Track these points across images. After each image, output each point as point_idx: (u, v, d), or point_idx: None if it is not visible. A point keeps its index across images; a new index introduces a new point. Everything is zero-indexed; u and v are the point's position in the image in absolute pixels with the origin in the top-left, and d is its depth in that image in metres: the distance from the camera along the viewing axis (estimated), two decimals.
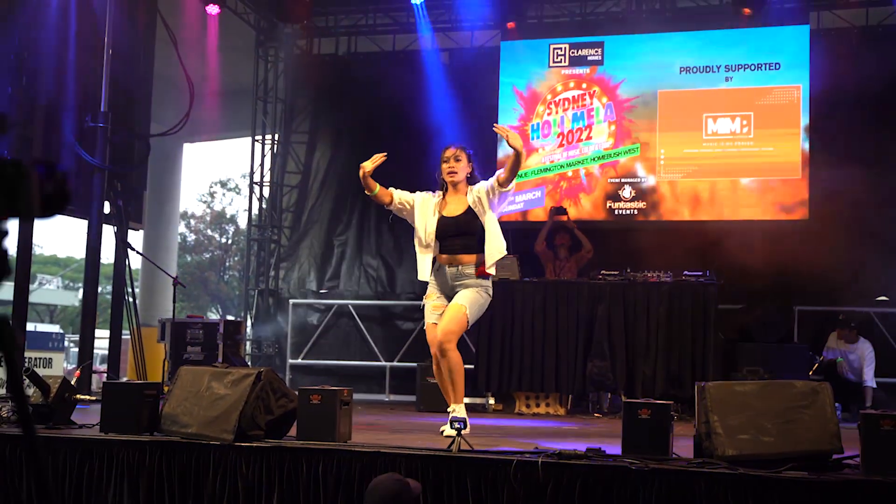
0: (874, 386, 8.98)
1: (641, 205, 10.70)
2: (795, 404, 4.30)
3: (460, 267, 5.67)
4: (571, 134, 11.03)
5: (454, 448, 4.38)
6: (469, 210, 5.66)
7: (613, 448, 4.47)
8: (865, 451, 4.10)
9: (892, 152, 9.84)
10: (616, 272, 8.65)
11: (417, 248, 5.76)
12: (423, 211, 5.75)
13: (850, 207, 9.64)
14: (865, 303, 9.92)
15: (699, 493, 3.98)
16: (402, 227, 11.27)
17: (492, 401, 8.84)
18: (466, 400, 9.17)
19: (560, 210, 9.96)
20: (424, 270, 5.71)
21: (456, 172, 5.70)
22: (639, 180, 10.76)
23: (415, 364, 8.97)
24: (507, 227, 10.76)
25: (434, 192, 5.84)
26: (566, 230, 9.79)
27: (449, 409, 5.58)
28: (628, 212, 10.74)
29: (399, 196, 5.83)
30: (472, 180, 5.75)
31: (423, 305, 5.80)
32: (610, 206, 10.79)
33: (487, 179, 5.67)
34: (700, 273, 8.57)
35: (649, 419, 4.37)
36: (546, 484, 4.11)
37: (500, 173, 5.63)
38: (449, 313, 5.60)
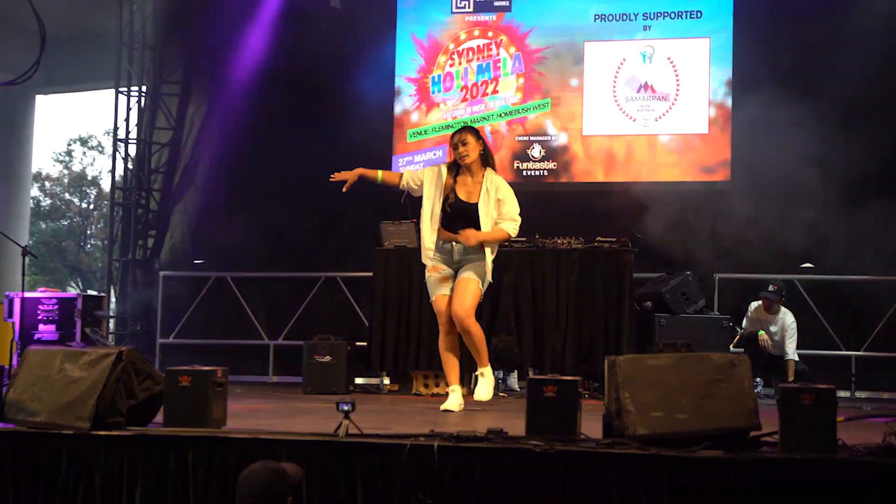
0: (796, 359, 9.26)
1: (552, 165, 10.80)
2: (712, 378, 4.39)
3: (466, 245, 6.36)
4: (476, 87, 11.05)
5: (341, 432, 4.37)
6: (481, 199, 6.36)
7: (517, 429, 4.50)
8: (784, 427, 4.21)
9: (821, 110, 10.10)
10: (523, 238, 8.69)
11: (423, 226, 6.46)
12: (432, 190, 6.43)
13: (773, 169, 9.87)
14: (789, 270, 10.19)
15: (609, 475, 4.04)
16: (288, 194, 11.13)
17: (387, 381, 8.87)
18: (358, 380, 9.29)
19: None
20: (428, 251, 6.42)
21: (467, 155, 6.34)
22: (549, 138, 10.85)
23: (301, 342, 8.91)
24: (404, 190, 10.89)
25: (445, 163, 6.52)
26: None
27: (477, 373, 6.53)
28: (537, 173, 10.82)
29: (407, 179, 6.58)
30: (486, 159, 6.42)
31: (429, 278, 6.47)
32: (518, 167, 10.86)
33: (507, 190, 6.38)
34: (614, 239, 8.69)
35: (555, 397, 4.41)
36: (442, 470, 4.12)
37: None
38: (462, 289, 6.33)
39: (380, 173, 6.70)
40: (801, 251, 10.04)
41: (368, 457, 4.23)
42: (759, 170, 10.02)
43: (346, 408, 4.45)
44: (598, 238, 8.74)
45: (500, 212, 6.38)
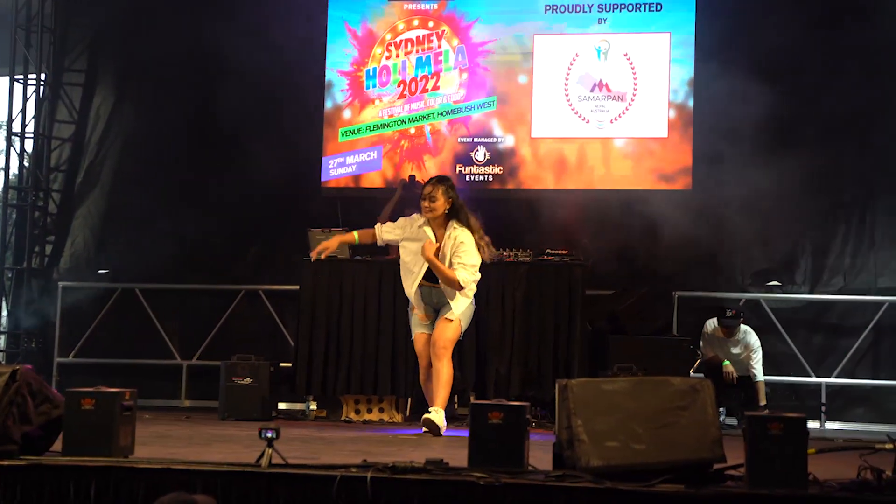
0: (763, 380, 9.37)
1: (497, 170, 10.84)
2: (672, 405, 4.43)
3: (442, 286, 7.31)
4: (415, 82, 11.05)
5: (264, 462, 4.33)
6: (442, 244, 7.30)
7: (458, 460, 4.50)
8: (750, 460, 4.25)
9: (789, 113, 10.26)
10: None
11: (404, 273, 7.47)
12: (412, 242, 7.38)
13: (739, 178, 9.99)
14: (754, 288, 10.34)
15: None
16: (206, 197, 11.04)
17: (313, 406, 8.83)
18: (282, 405, 9.24)
19: (413, 183, 10.06)
20: (411, 292, 7.43)
21: (432, 211, 7.27)
22: (495, 140, 10.88)
23: (218, 363, 8.83)
24: (336, 195, 10.89)
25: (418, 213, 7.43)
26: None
27: (431, 410, 7.11)
28: (482, 178, 10.85)
29: (384, 236, 7.49)
30: (452, 213, 7.31)
31: (411, 317, 7.51)
32: (460, 171, 10.87)
33: (467, 232, 7.27)
34: (565, 252, 8.74)
35: (501, 424, 4.42)
36: (377, 503, 4.10)
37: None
38: (442, 324, 7.29)
39: (356, 234, 7.62)
40: (768, 268, 10.18)
41: (294, 489, 4.20)
42: (723, 179, 10.13)
43: (269, 435, 4.41)
44: (548, 251, 8.78)
45: (458, 255, 7.23)
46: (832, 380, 10.09)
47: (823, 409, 9.94)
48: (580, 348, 8.41)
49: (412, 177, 10.23)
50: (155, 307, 11.36)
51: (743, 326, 9.43)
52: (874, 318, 10.08)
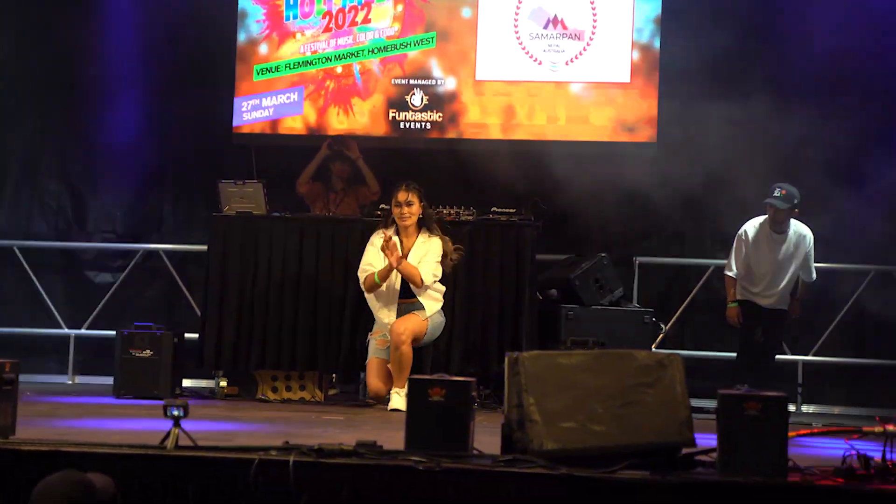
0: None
1: (436, 116, 10.80)
2: (636, 382, 4.48)
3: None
4: (343, 14, 10.96)
5: (169, 444, 4.31)
6: (412, 253, 8.05)
7: (394, 442, 4.50)
8: (723, 444, 4.31)
9: (771, 58, 10.30)
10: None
11: (375, 296, 8.13)
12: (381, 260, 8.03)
13: (709, 130, 10.04)
14: (724, 254, 10.40)
15: (508, 499, 4.08)
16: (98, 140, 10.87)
17: (223, 383, 8.79)
18: (187, 382, 9.19)
19: (341, 143, 10.05)
20: (391, 317, 8.08)
21: (409, 217, 8.07)
22: (433, 82, 10.83)
23: (112, 333, 8.74)
24: (250, 142, 10.80)
25: (384, 226, 8.20)
26: (345, 159, 10.02)
27: (393, 391, 7.85)
28: (418, 125, 10.81)
29: (370, 274, 8.08)
30: (425, 220, 8.12)
31: (368, 341, 8.18)
32: (393, 117, 10.82)
33: (438, 237, 8.13)
34: (513, 211, 8.75)
35: (443, 402, 4.44)
36: (300, 491, 4.10)
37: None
38: (408, 316, 8.01)
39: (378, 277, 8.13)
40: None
41: (205, 474, 4.20)
42: (692, 130, 10.17)
43: (175, 413, 4.39)
44: (494, 209, 8.79)
45: (424, 260, 8.00)
46: (810, 357, 10.23)
47: (800, 389, 10.08)
48: (529, 320, 8.45)
49: (342, 138, 10.22)
50: (37, 268, 11.20)
51: (794, 221, 9.07)
52: (858, 290, 10.20)
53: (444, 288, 8.18)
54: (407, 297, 8.07)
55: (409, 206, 8.06)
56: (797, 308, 9.23)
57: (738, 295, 9.13)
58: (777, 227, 9.02)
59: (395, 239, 8.00)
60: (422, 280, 7.94)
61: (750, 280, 9.12)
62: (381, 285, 8.04)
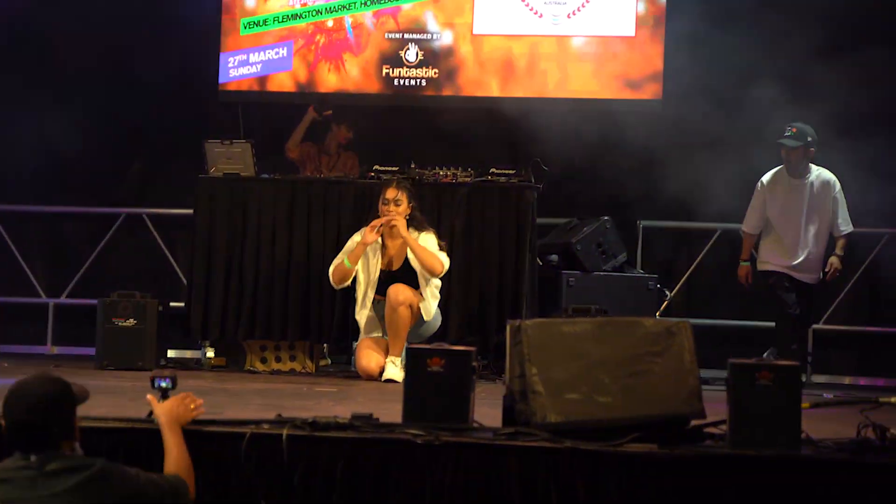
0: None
1: (432, 73, 10.78)
2: (643, 351, 4.49)
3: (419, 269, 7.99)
4: None
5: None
6: (407, 262, 8.01)
7: (391, 415, 4.52)
8: (734, 415, 4.33)
9: (787, 9, 10.25)
10: (395, 168, 8.69)
11: (359, 296, 8.15)
12: (364, 262, 8.08)
13: (718, 86, 10.03)
14: (733, 217, 10.40)
15: (510, 473, 4.10)
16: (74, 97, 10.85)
17: (210, 353, 8.81)
18: (172, 353, 9.21)
19: (325, 106, 10.03)
20: (363, 314, 8.14)
21: (395, 221, 7.89)
22: (429, 37, 10.80)
23: (94, 301, 8.75)
24: (237, 100, 10.79)
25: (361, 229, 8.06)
26: (351, 126, 10.06)
27: (389, 359, 7.81)
28: (413, 82, 10.79)
29: (353, 266, 8.06)
30: (413, 220, 7.99)
31: (360, 343, 8.14)
32: (387, 74, 10.80)
33: (430, 235, 8.03)
34: (513, 172, 8.74)
35: (442, 372, 4.45)
36: (294, 465, 4.12)
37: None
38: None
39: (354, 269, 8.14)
40: (750, 194, 10.24)
41: (195, 449, 4.19)
42: (700, 87, 10.16)
43: (163, 384, 4.41)
44: (493, 170, 8.76)
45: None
46: (821, 326, 10.24)
47: (809, 359, 10.09)
48: (529, 286, 8.46)
49: (324, 101, 10.18)
50: (14, 234, 11.20)
51: (813, 165, 8.92)
52: (872, 253, 10.22)
53: (440, 283, 8.15)
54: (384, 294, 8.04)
55: (398, 206, 7.95)
56: (837, 265, 8.93)
57: (771, 266, 8.97)
58: (793, 169, 8.91)
59: (378, 250, 8.05)
60: (442, 264, 7.93)
61: (779, 244, 8.95)
62: (352, 269, 8.01)
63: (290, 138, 9.97)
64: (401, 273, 8.03)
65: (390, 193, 7.96)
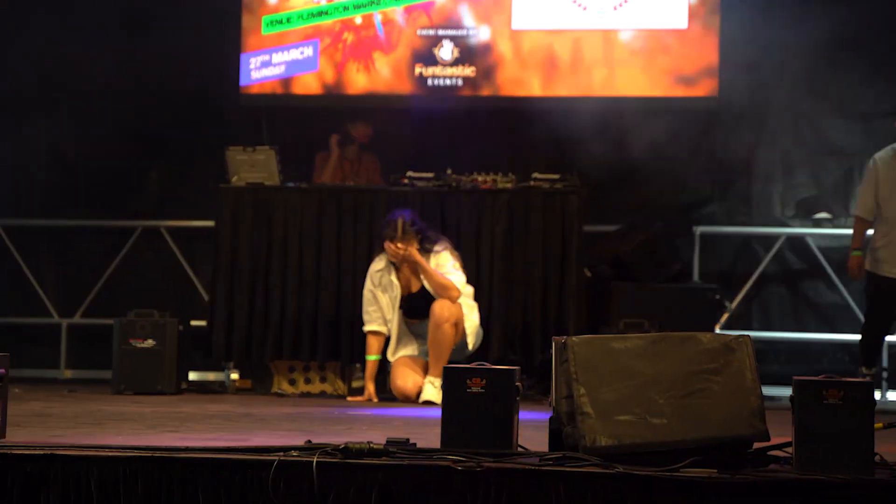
0: None
1: (469, 71, 10.78)
2: (700, 368, 4.46)
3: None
4: None
5: None
6: (423, 288, 8.18)
7: (429, 440, 4.51)
8: (800, 437, 4.29)
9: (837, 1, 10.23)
10: (430, 174, 8.71)
11: (392, 342, 8.31)
12: (382, 295, 8.26)
13: (777, 81, 10.00)
14: (798, 222, 10.37)
15: (557, 501, 4.07)
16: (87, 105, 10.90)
17: (235, 376, 8.84)
18: (194, 375, 9.24)
19: (348, 135, 9.99)
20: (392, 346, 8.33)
21: (405, 259, 8.07)
22: (465, 33, 10.81)
23: (109, 321, 8.79)
24: (260, 104, 10.82)
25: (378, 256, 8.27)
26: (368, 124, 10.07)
27: (428, 380, 8.01)
28: (449, 82, 10.80)
29: (377, 327, 8.30)
30: (424, 246, 8.10)
31: (391, 364, 8.27)
32: (420, 73, 10.81)
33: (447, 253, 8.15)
34: (557, 176, 8.73)
35: (483, 393, 4.43)
36: (325, 495, 4.12)
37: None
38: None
39: (373, 357, 8.33)
40: (816, 196, 10.20)
41: (217, 479, 4.20)
42: (759, 82, 10.13)
43: None
44: (535, 175, 8.78)
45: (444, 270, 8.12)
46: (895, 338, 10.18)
47: (885, 374, 10.02)
48: (577, 299, 8.45)
49: (345, 131, 10.10)
50: (25, 250, 11.28)
51: None
52: None
53: (472, 289, 8.25)
54: (417, 317, 8.25)
55: (405, 242, 8.07)
56: None
57: (867, 266, 8.64)
58: None
59: (393, 276, 8.22)
60: (457, 288, 8.04)
61: (885, 237, 8.56)
62: (383, 336, 8.32)
63: (317, 175, 9.83)
64: (422, 293, 8.19)
65: (392, 236, 8.06)
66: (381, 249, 8.16)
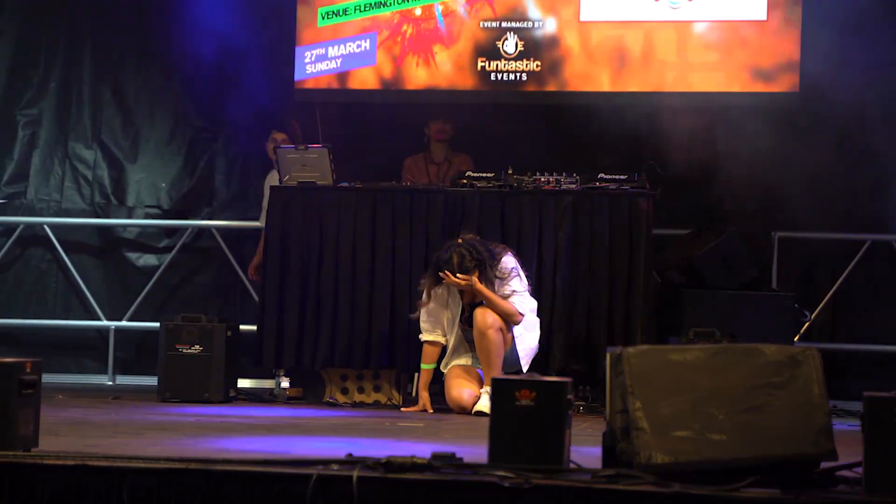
0: None
1: (534, 65, 10.78)
2: (763, 382, 4.45)
3: None
4: None
5: None
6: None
7: (476, 454, 4.52)
8: (870, 455, 4.26)
9: None
10: (491, 174, 8.71)
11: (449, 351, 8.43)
12: (443, 310, 8.36)
13: (865, 75, 9.93)
14: (885, 227, 10.27)
15: None
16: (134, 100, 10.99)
17: (285, 383, 8.86)
18: (245, 383, 9.29)
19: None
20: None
21: (463, 290, 8.11)
22: (530, 25, 10.81)
23: (156, 325, 8.86)
24: (314, 99, 10.86)
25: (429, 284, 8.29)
26: (447, 119, 10.12)
27: (484, 390, 8.03)
28: (512, 76, 10.80)
29: (438, 337, 8.40)
30: (485, 275, 8.03)
31: (449, 372, 8.32)
32: (483, 67, 10.82)
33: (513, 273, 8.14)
34: (625, 177, 8.71)
35: (533, 407, 4.43)
36: None
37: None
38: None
39: (429, 366, 8.42)
40: None
41: (253, 492, 4.24)
42: (843, 77, 10.07)
43: None
44: (601, 175, 8.76)
45: (506, 284, 8.11)
46: None
47: None
48: (644, 308, 8.42)
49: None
50: (71, 250, 11.38)
51: None
52: None
53: (535, 303, 8.28)
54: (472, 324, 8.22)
55: (467, 274, 8.01)
56: None
57: None
58: None
59: (455, 291, 8.24)
60: (519, 313, 8.05)
61: None
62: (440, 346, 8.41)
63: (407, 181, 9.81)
64: (481, 301, 8.15)
65: (456, 272, 8.00)
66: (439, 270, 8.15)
